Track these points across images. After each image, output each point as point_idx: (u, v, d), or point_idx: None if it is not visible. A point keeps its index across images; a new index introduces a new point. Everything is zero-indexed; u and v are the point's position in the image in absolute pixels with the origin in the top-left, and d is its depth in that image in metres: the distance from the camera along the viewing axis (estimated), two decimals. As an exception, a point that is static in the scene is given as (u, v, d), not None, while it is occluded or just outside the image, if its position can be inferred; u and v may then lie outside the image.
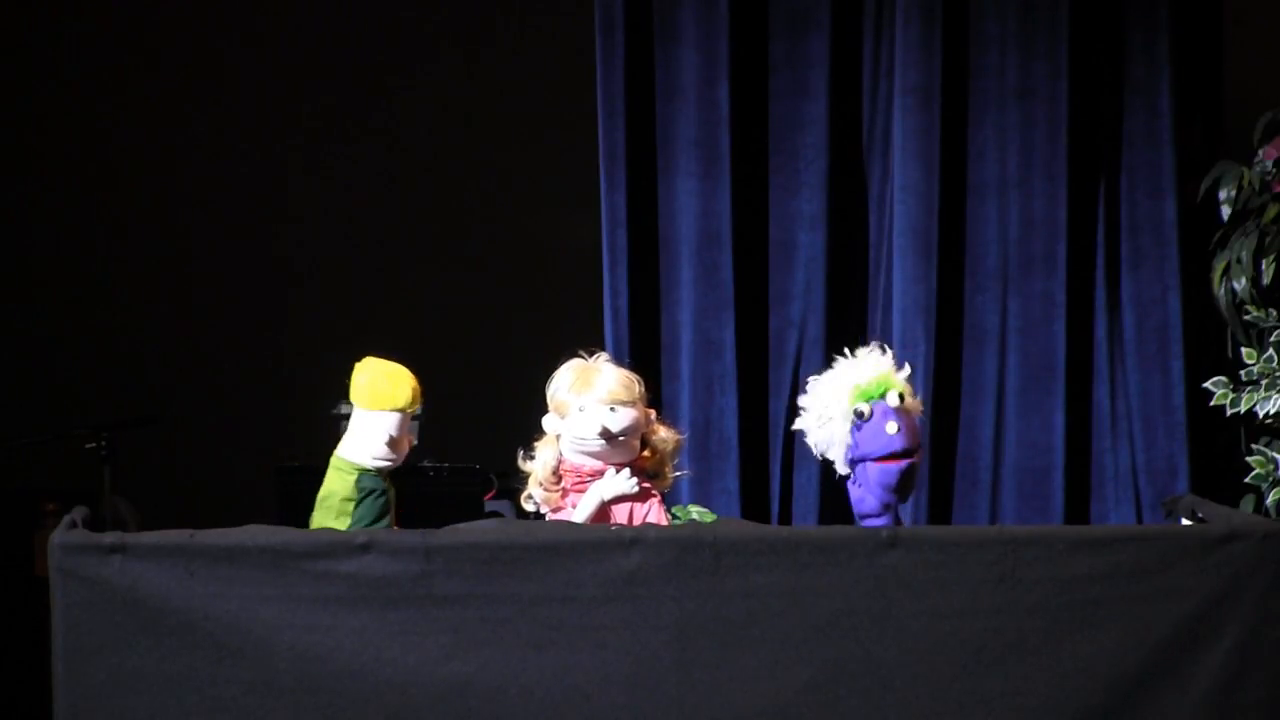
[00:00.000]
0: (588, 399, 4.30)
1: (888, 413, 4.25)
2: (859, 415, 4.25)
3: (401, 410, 4.37)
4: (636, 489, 4.33)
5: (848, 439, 4.28)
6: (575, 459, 4.35)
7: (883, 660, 3.97)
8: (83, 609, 3.90)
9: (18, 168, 6.78)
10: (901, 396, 4.28)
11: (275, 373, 6.73)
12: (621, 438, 4.32)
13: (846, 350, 4.42)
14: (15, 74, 6.77)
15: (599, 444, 4.31)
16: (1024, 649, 3.99)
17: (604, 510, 4.32)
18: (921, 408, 4.40)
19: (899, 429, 4.23)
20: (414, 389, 4.40)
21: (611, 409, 4.30)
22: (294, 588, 3.91)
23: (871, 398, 4.25)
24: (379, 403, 4.36)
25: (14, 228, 6.79)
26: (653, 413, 4.43)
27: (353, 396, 4.41)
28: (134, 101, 6.81)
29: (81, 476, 5.34)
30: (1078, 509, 5.46)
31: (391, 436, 4.36)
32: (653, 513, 4.34)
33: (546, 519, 4.35)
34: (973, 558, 4.00)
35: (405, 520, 4.47)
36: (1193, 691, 4.00)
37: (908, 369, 4.40)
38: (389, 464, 4.40)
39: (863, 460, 4.27)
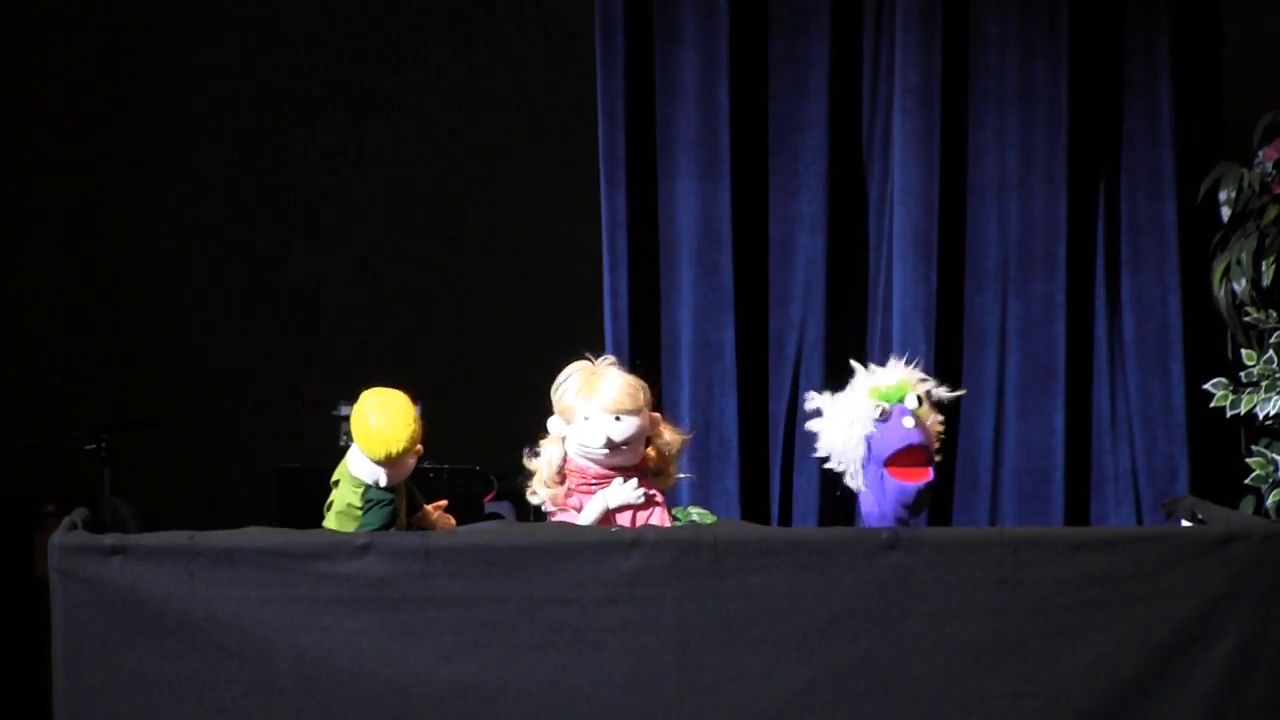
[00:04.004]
0: (593, 408, 4.29)
1: (904, 411, 4.23)
2: (882, 415, 4.23)
3: (396, 458, 4.14)
4: (642, 499, 4.32)
5: (873, 431, 4.24)
6: (580, 461, 4.34)
7: (883, 661, 3.98)
8: (83, 610, 3.90)
9: (18, 168, 6.78)
10: (920, 400, 4.27)
11: (276, 374, 6.72)
12: (625, 446, 4.32)
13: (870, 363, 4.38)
14: (16, 74, 6.77)
15: (603, 452, 4.31)
16: (1024, 650, 3.99)
17: (608, 517, 4.31)
18: (937, 420, 4.34)
19: (915, 423, 4.22)
20: (410, 436, 4.10)
21: (616, 418, 4.29)
22: (294, 589, 3.91)
23: (890, 400, 4.24)
24: (372, 450, 4.12)
25: (14, 228, 6.79)
26: (657, 416, 4.42)
27: (351, 428, 4.20)
28: (134, 102, 6.81)
29: (82, 478, 5.34)
30: (1078, 510, 5.46)
31: (386, 474, 4.19)
32: (655, 520, 4.33)
33: (552, 516, 4.34)
34: (973, 559, 4.00)
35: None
36: (1193, 693, 4.00)
37: (939, 388, 4.36)
38: (391, 484, 4.29)
39: (879, 461, 4.22)
